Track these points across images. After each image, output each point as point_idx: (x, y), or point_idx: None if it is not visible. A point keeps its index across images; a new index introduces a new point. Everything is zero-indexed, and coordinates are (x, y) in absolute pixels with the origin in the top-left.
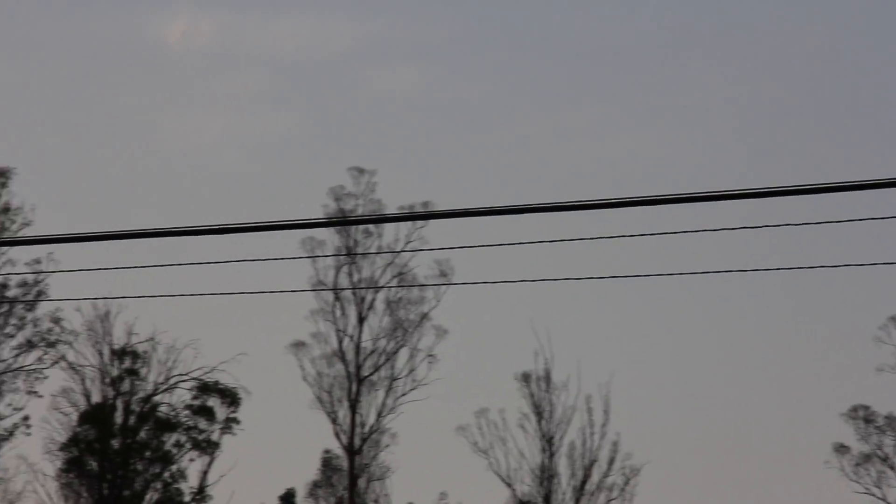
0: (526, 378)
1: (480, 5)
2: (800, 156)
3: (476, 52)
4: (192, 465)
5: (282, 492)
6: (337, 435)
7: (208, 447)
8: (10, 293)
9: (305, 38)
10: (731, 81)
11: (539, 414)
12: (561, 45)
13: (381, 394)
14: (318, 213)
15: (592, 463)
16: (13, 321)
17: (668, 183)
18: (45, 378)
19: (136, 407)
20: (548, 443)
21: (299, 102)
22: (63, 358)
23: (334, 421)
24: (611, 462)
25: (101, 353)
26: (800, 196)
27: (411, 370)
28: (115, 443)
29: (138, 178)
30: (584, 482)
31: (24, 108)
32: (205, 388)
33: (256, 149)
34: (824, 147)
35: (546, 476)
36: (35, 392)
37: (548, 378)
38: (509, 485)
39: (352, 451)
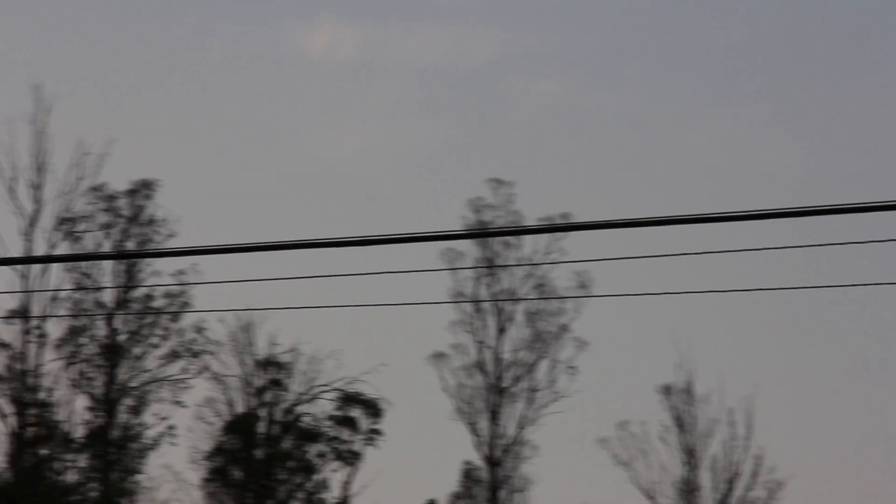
0: (667, 390)
1: (626, 14)
2: None
3: (620, 60)
4: (334, 476)
5: (423, 503)
6: (477, 446)
7: (351, 458)
8: (156, 304)
9: (449, 48)
10: (885, 88)
11: (681, 426)
12: (708, 52)
13: (521, 405)
14: (457, 225)
15: (735, 476)
16: (158, 331)
17: (815, 194)
18: (190, 388)
19: (279, 417)
20: (690, 456)
21: (441, 113)
22: (207, 368)
23: (475, 432)
24: (754, 476)
25: (244, 364)
26: None
27: (552, 382)
28: (259, 452)
29: (282, 190)
30: (726, 496)
31: (169, 120)
32: (348, 399)
33: (398, 160)
34: None
35: (688, 489)
36: (180, 402)
37: (690, 390)
38: (651, 497)
39: (492, 462)
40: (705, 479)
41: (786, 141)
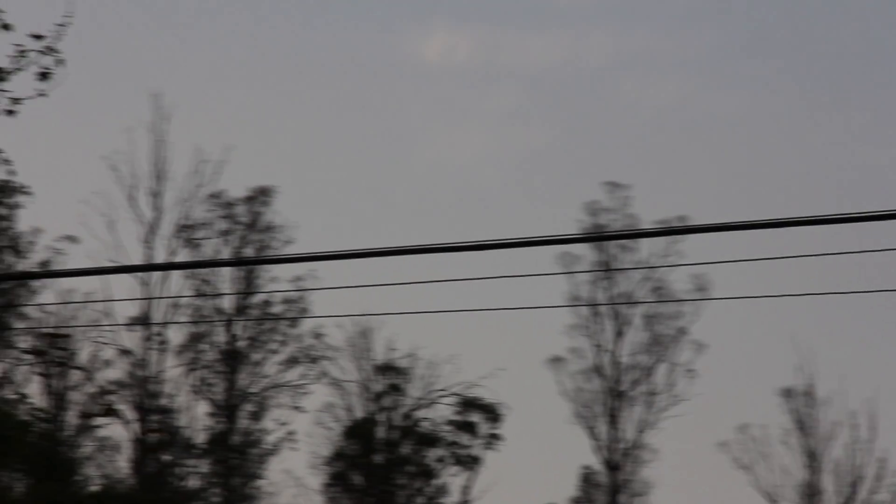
0: (788, 393)
1: (743, 15)
2: None
3: (737, 62)
4: (454, 480)
5: None
6: (596, 450)
7: (470, 462)
8: (274, 310)
9: (564, 51)
10: None
11: (802, 429)
12: (823, 53)
13: (640, 409)
14: (572, 229)
15: (859, 480)
16: (277, 337)
17: None
18: (309, 393)
19: (398, 422)
20: (812, 459)
21: (557, 117)
22: (326, 373)
23: (593, 436)
24: (878, 479)
25: (362, 369)
26: None
27: (670, 385)
28: (378, 457)
29: (398, 195)
30: (850, 499)
31: (285, 126)
32: (467, 404)
33: (513, 164)
34: None
35: (810, 493)
36: (299, 407)
37: (811, 393)
38: (773, 501)
39: (611, 466)
40: (828, 482)
41: None
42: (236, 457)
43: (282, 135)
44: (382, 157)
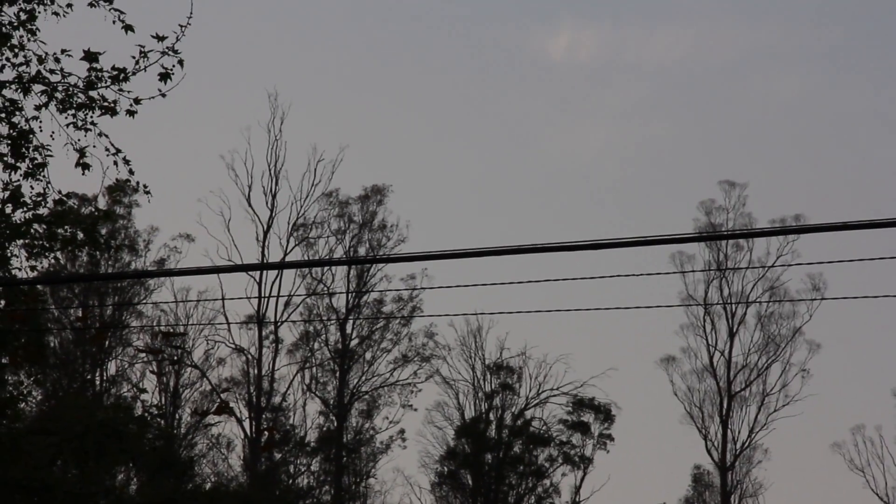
0: None
1: (872, 10)
2: None
3: (867, 58)
4: (564, 480)
5: None
6: (708, 451)
7: (581, 462)
8: (387, 308)
9: (689, 47)
10: None
11: None
12: None
13: (752, 409)
14: (688, 227)
15: None
16: (389, 336)
17: None
18: (420, 391)
19: (509, 421)
20: None
21: (679, 114)
22: (437, 372)
23: (705, 437)
24: None
25: (473, 368)
26: None
27: (783, 385)
28: (489, 457)
29: (517, 192)
30: None
31: (405, 123)
32: (579, 404)
33: (633, 161)
34: None
35: None
36: (410, 406)
37: None
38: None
39: (724, 467)
40: None
41: None
42: (347, 455)
43: (399, 133)
44: (504, 154)
